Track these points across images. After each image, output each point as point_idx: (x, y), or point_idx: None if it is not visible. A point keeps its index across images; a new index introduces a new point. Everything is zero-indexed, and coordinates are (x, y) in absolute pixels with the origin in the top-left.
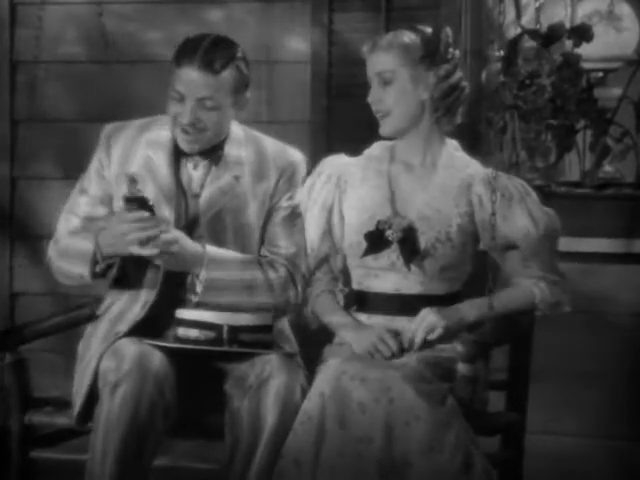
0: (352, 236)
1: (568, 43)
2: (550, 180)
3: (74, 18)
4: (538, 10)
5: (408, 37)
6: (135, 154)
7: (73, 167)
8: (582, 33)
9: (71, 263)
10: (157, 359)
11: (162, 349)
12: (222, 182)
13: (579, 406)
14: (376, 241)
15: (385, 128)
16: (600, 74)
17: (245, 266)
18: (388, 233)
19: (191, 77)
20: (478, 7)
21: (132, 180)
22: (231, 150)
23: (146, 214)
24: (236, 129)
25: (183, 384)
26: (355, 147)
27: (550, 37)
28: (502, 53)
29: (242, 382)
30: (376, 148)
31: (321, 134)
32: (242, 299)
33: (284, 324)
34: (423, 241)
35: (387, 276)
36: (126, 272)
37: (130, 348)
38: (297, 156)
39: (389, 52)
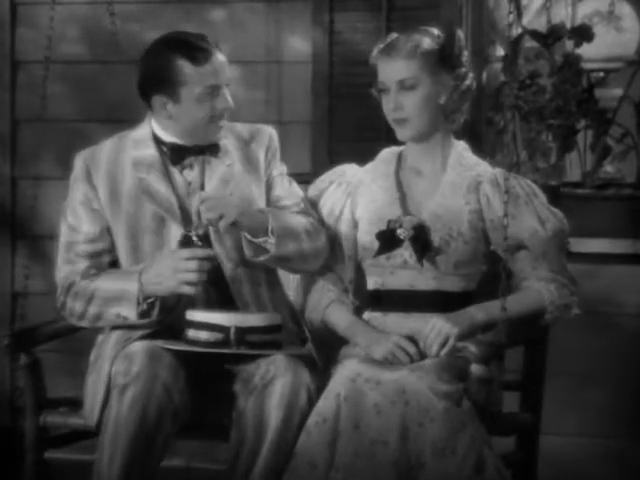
0: (364, 238)
1: (569, 43)
2: (551, 180)
3: (76, 18)
4: (548, 10)
5: (427, 43)
6: (123, 179)
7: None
8: (583, 33)
9: (105, 306)
10: (166, 362)
11: (172, 351)
12: (220, 173)
13: (580, 406)
14: (388, 240)
15: (405, 133)
16: (601, 74)
17: (295, 215)
18: (399, 231)
19: None
20: (479, 7)
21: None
22: (218, 148)
23: (200, 251)
24: None
25: (194, 386)
26: (356, 147)
27: (551, 37)
28: (503, 53)
29: (248, 383)
30: (385, 154)
31: (322, 134)
32: (305, 246)
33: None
34: (435, 238)
35: (401, 273)
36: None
37: (140, 351)
38: (271, 130)
39: (411, 60)
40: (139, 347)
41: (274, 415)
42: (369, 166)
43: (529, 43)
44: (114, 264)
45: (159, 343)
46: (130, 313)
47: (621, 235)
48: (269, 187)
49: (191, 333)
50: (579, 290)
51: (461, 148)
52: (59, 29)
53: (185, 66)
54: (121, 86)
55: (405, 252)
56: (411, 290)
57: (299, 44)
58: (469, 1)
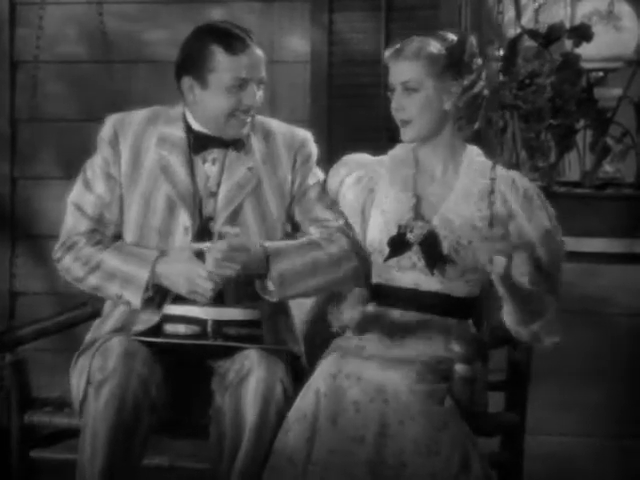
0: (375, 237)
1: (568, 43)
2: (550, 180)
3: (74, 18)
4: (536, 12)
5: (434, 47)
6: (147, 152)
7: (73, 166)
8: (582, 33)
9: (107, 281)
10: (142, 356)
11: (149, 346)
12: (238, 175)
13: (579, 406)
14: (397, 245)
15: (406, 135)
16: (600, 74)
17: (305, 250)
18: (409, 236)
19: None
20: (478, 7)
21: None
22: (243, 144)
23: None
24: None
25: (175, 384)
26: (355, 147)
27: (550, 37)
28: (502, 53)
29: (223, 379)
30: (399, 150)
31: (321, 134)
32: (312, 283)
33: (293, 324)
34: (445, 244)
35: (407, 272)
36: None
37: (115, 346)
38: (305, 134)
39: (415, 62)
40: (115, 342)
41: (250, 410)
42: (388, 162)
43: (528, 43)
44: (119, 237)
45: (136, 337)
46: (135, 299)
47: (620, 235)
48: (300, 197)
49: (169, 327)
50: (578, 290)
51: (475, 153)
52: (59, 29)
53: (218, 52)
54: (121, 86)
55: (414, 256)
56: (414, 289)
57: (298, 44)
58: (468, 1)
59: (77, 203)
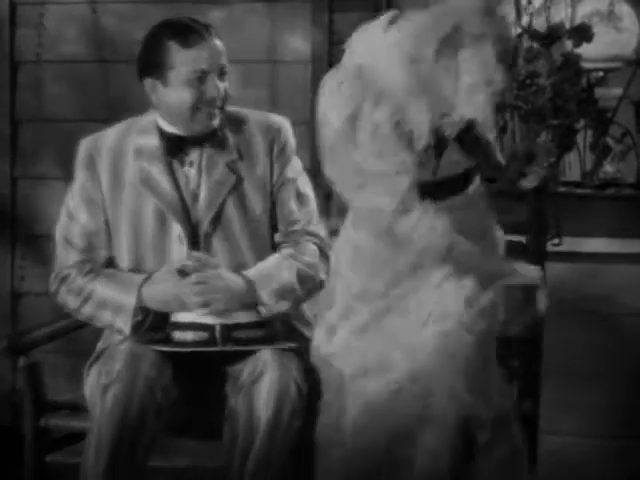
0: None
1: (568, 43)
2: (551, 180)
3: (74, 18)
4: (531, 16)
5: None
6: (126, 165)
7: (74, 166)
8: (582, 33)
9: (99, 310)
10: (148, 360)
11: (159, 351)
12: (217, 174)
13: (580, 406)
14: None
15: None
16: (600, 74)
17: (284, 266)
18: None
19: None
20: None
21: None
22: (218, 138)
23: (206, 274)
24: None
25: (184, 384)
26: None
27: (550, 37)
28: None
29: (236, 381)
30: None
31: None
32: (303, 293)
33: (304, 308)
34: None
35: None
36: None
37: (123, 350)
38: (280, 121)
39: None
40: (122, 347)
41: (264, 411)
42: None
43: (528, 43)
44: (111, 260)
45: (143, 345)
46: (124, 326)
47: (621, 235)
48: (278, 193)
49: (177, 335)
50: (579, 290)
51: None
52: (59, 29)
53: (174, 48)
54: (121, 85)
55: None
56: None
57: (298, 44)
58: None
59: (64, 236)
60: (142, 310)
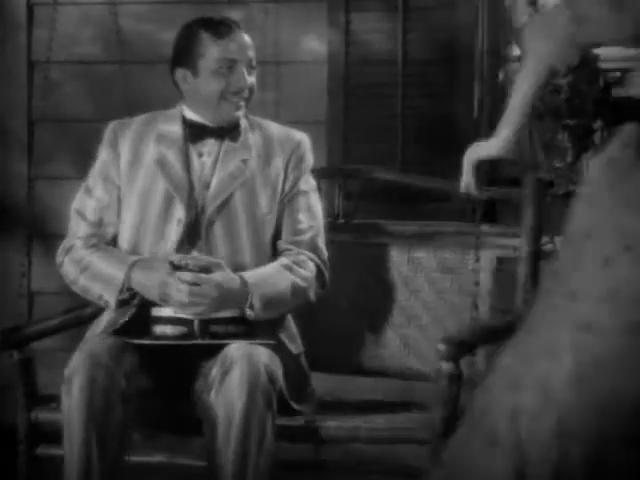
0: None
1: None
2: (567, 180)
3: (90, 18)
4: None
5: None
6: (147, 149)
7: (89, 167)
8: None
9: (93, 282)
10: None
11: (139, 347)
12: (231, 167)
13: None
14: None
15: None
16: (617, 74)
17: (282, 276)
18: None
19: None
20: (495, 7)
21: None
22: (238, 134)
23: (199, 276)
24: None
25: (160, 379)
26: (371, 147)
27: None
28: (519, 53)
29: (207, 377)
30: None
31: (337, 134)
32: (291, 305)
33: (290, 321)
34: None
35: None
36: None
37: (85, 341)
38: (302, 136)
39: None
40: (89, 342)
41: (237, 401)
42: None
43: None
44: (116, 238)
45: (123, 339)
46: (111, 298)
47: None
48: (289, 202)
49: (157, 328)
50: None
51: None
52: (75, 29)
53: (205, 38)
54: (138, 86)
55: None
56: None
57: (315, 44)
58: (485, 1)
59: (78, 209)
60: (129, 290)
